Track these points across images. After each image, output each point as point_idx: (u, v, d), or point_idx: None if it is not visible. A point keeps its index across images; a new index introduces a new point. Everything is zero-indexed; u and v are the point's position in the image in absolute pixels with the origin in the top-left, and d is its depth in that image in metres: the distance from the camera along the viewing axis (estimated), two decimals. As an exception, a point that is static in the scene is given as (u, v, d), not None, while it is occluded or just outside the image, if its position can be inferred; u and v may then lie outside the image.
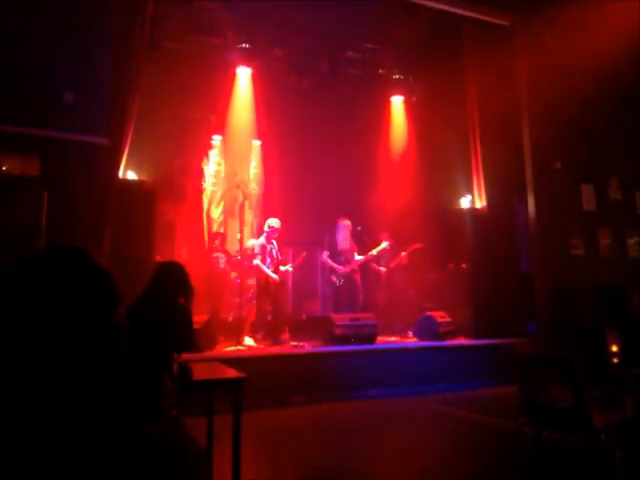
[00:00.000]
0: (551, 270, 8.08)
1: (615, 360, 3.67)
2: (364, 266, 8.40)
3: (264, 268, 7.24)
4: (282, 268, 7.43)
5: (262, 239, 7.38)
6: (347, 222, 8.22)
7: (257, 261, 7.25)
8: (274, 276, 7.27)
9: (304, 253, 7.73)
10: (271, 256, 7.35)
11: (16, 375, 0.94)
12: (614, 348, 3.76)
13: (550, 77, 8.36)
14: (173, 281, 3.11)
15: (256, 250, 7.31)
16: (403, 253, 8.54)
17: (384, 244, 8.25)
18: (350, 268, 8.07)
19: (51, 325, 0.98)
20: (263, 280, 7.25)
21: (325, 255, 8.15)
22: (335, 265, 8.06)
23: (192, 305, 3.24)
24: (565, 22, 8.15)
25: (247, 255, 7.55)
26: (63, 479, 0.90)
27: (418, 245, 8.48)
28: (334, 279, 8.06)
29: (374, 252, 8.21)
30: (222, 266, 7.94)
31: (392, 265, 8.63)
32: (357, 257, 8.17)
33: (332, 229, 8.32)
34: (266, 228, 7.40)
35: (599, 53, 8.06)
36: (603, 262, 8.46)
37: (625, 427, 3.11)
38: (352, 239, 8.26)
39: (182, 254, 8.31)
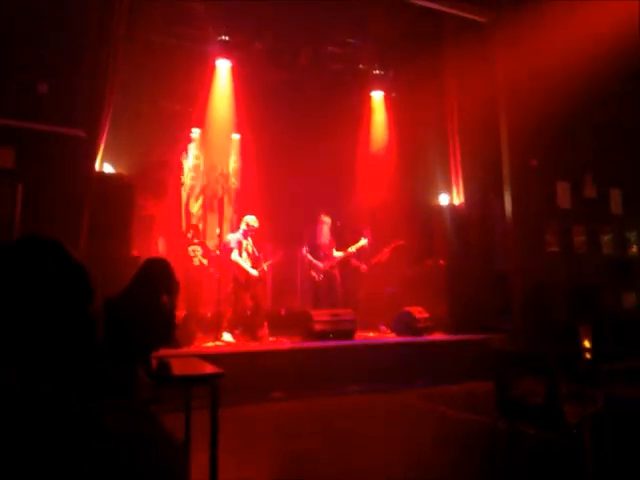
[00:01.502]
0: (527, 266, 8.21)
1: (587, 355, 3.75)
2: (344, 262, 8.42)
3: (242, 263, 7.21)
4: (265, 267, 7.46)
5: (238, 234, 7.35)
6: (327, 218, 8.24)
7: (235, 256, 7.21)
8: (253, 271, 7.25)
9: (280, 252, 7.73)
10: (247, 252, 7.33)
11: None
12: (587, 344, 3.83)
13: (527, 75, 8.44)
14: (157, 278, 3.09)
15: (232, 244, 7.27)
16: (385, 250, 8.59)
17: (363, 241, 8.27)
18: (329, 264, 8.09)
19: (22, 315, 0.97)
20: (242, 275, 7.23)
21: (305, 250, 8.16)
22: (314, 261, 8.07)
23: (176, 302, 3.23)
24: (542, 20, 8.23)
25: (225, 250, 7.51)
26: (36, 472, 0.89)
27: (400, 242, 8.53)
28: (313, 274, 8.08)
29: (353, 249, 8.22)
30: (198, 260, 7.87)
31: (373, 261, 8.67)
32: (336, 253, 8.19)
33: (312, 225, 8.33)
34: (243, 226, 7.37)
35: (576, 51, 8.16)
36: (577, 259, 8.61)
37: (596, 421, 3.18)
38: (332, 235, 8.28)
39: (160, 249, 8.23)
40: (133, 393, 2.74)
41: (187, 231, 8.13)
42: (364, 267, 8.62)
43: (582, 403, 3.24)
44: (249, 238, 7.40)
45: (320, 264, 8.04)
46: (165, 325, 3.10)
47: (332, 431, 4.77)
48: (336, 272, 8.17)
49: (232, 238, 7.36)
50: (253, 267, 7.29)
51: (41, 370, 0.96)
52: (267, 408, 5.53)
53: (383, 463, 3.92)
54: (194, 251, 7.87)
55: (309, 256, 8.11)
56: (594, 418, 3.19)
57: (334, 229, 8.35)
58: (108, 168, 7.00)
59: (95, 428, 0.98)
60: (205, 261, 7.93)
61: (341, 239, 8.38)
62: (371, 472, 3.74)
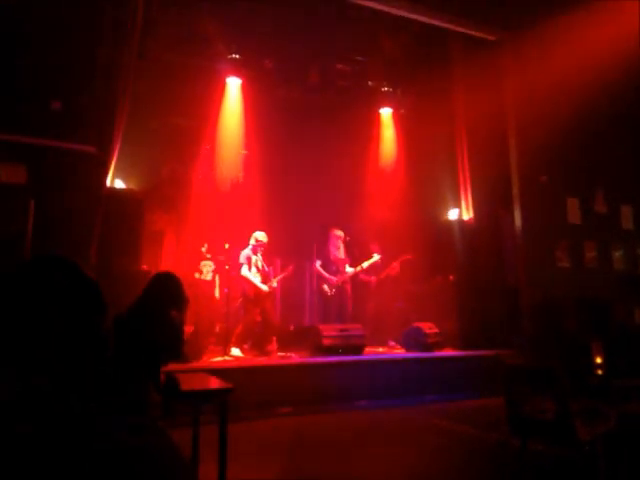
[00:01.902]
0: (537, 282, 8.15)
1: (599, 371, 3.71)
2: (354, 277, 8.41)
3: (251, 278, 7.22)
4: (274, 283, 7.47)
5: (247, 250, 7.37)
6: (340, 232, 8.24)
7: (245, 271, 7.23)
8: (263, 287, 7.26)
9: (291, 267, 7.74)
10: (257, 267, 7.35)
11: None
12: (598, 360, 3.79)
13: (537, 92, 8.47)
14: (167, 293, 3.10)
15: (241, 260, 7.29)
16: (394, 264, 8.57)
17: (375, 257, 8.28)
18: (342, 279, 8.08)
19: (36, 334, 0.98)
20: (251, 291, 7.24)
21: (317, 264, 8.16)
22: (327, 275, 8.07)
23: (185, 317, 3.23)
24: (552, 38, 8.28)
25: (234, 265, 7.54)
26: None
27: (408, 256, 8.52)
28: (325, 289, 8.07)
29: (365, 265, 8.23)
30: (209, 275, 7.91)
31: (382, 275, 8.66)
32: (348, 269, 8.18)
33: (323, 239, 8.34)
34: (252, 241, 7.38)
35: (585, 69, 8.19)
36: (588, 274, 8.55)
37: (609, 439, 3.13)
38: (345, 250, 8.28)
39: (169, 263, 8.26)
40: (144, 409, 2.73)
41: (201, 246, 8.15)
42: (374, 279, 8.61)
43: (594, 420, 3.20)
44: (259, 253, 7.42)
45: (333, 278, 8.03)
46: (174, 340, 3.10)
47: (341, 447, 4.73)
48: (348, 287, 8.16)
49: (242, 254, 7.38)
50: (262, 282, 7.30)
51: (52, 385, 0.97)
52: (275, 423, 5.49)
53: (391, 479, 3.87)
54: (205, 266, 7.91)
55: (321, 270, 8.10)
56: (607, 435, 3.14)
57: (345, 244, 8.37)
58: (119, 184, 7.07)
59: (105, 442, 0.99)
60: (217, 277, 7.96)
61: (351, 254, 8.38)
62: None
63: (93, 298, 1.07)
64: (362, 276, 8.60)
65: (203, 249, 7.99)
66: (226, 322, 7.15)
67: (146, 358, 2.91)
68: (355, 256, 8.35)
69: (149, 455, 1.10)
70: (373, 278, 8.66)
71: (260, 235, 7.40)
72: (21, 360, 0.97)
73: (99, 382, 1.06)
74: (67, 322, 1.01)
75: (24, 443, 0.90)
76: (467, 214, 8.86)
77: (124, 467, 0.99)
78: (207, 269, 7.91)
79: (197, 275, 7.84)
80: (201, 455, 3.47)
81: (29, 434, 0.91)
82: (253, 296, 7.23)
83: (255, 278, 7.25)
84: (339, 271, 8.12)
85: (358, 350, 7.19)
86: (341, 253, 8.20)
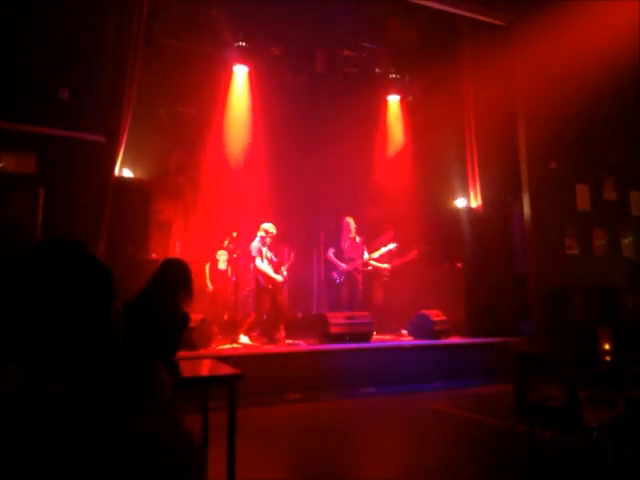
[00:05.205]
0: (546, 269, 8.12)
1: (607, 358, 3.69)
2: (366, 265, 8.36)
3: (266, 269, 7.20)
4: (284, 272, 7.46)
5: (257, 242, 7.32)
6: (352, 220, 8.20)
7: (258, 262, 7.20)
8: (277, 277, 7.25)
9: (292, 255, 7.71)
10: (267, 258, 7.34)
11: (11, 364, 0.95)
12: (607, 346, 3.78)
13: (546, 77, 8.39)
14: (177, 279, 3.12)
15: (253, 252, 7.27)
16: (412, 253, 8.49)
17: (391, 245, 8.25)
18: (353, 266, 8.05)
19: (49, 317, 0.99)
20: (267, 282, 7.22)
21: (330, 252, 8.14)
22: (338, 262, 8.04)
23: (189, 304, 3.22)
24: (561, 23, 8.17)
25: (242, 253, 7.54)
26: (62, 471, 0.91)
27: (427, 247, 8.45)
28: (335, 276, 8.05)
29: (379, 253, 8.22)
30: (224, 265, 7.93)
31: (396, 264, 8.55)
32: (366, 255, 8.16)
33: (337, 227, 8.29)
34: (261, 233, 7.35)
35: (595, 54, 8.09)
36: (597, 261, 8.51)
37: (617, 425, 3.13)
38: (360, 237, 8.24)
39: (176, 252, 8.30)
40: (153, 393, 2.76)
41: (224, 238, 8.12)
42: (387, 267, 8.50)
43: (602, 407, 3.20)
44: (266, 244, 7.40)
45: (343, 266, 8.01)
46: (180, 325, 3.11)
47: (348, 433, 4.76)
48: (359, 276, 8.13)
49: (253, 246, 7.32)
50: (275, 272, 7.29)
51: (65, 368, 0.98)
52: (283, 410, 5.53)
53: (400, 465, 3.90)
54: (220, 256, 7.94)
55: (333, 257, 8.08)
56: (615, 422, 3.14)
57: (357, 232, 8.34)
58: (127, 173, 7.09)
59: (117, 426, 1.00)
60: (228, 266, 7.98)
61: (364, 242, 8.35)
62: (387, 474, 3.72)
63: (105, 284, 1.08)
64: (374, 265, 8.54)
65: (230, 240, 7.75)
66: (234, 310, 7.18)
67: (156, 341, 2.92)
68: (363, 243, 8.33)
69: (159, 437, 1.11)
70: (387, 267, 8.53)
71: (269, 226, 7.37)
72: (32, 342, 0.98)
73: (108, 365, 1.07)
74: (78, 306, 1.02)
75: (37, 426, 0.92)
76: (475, 202, 8.82)
77: (135, 448, 1.00)
78: (223, 258, 7.93)
79: (222, 266, 7.88)
80: (210, 440, 3.50)
81: (43, 416, 0.92)
82: (270, 287, 7.22)
83: (269, 269, 7.25)
84: (351, 259, 8.09)
85: (365, 338, 7.21)
86: (354, 241, 8.17)
